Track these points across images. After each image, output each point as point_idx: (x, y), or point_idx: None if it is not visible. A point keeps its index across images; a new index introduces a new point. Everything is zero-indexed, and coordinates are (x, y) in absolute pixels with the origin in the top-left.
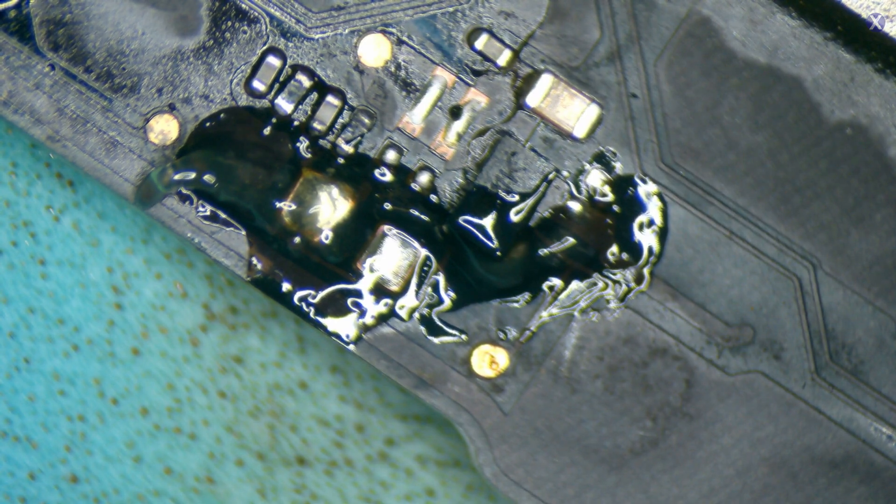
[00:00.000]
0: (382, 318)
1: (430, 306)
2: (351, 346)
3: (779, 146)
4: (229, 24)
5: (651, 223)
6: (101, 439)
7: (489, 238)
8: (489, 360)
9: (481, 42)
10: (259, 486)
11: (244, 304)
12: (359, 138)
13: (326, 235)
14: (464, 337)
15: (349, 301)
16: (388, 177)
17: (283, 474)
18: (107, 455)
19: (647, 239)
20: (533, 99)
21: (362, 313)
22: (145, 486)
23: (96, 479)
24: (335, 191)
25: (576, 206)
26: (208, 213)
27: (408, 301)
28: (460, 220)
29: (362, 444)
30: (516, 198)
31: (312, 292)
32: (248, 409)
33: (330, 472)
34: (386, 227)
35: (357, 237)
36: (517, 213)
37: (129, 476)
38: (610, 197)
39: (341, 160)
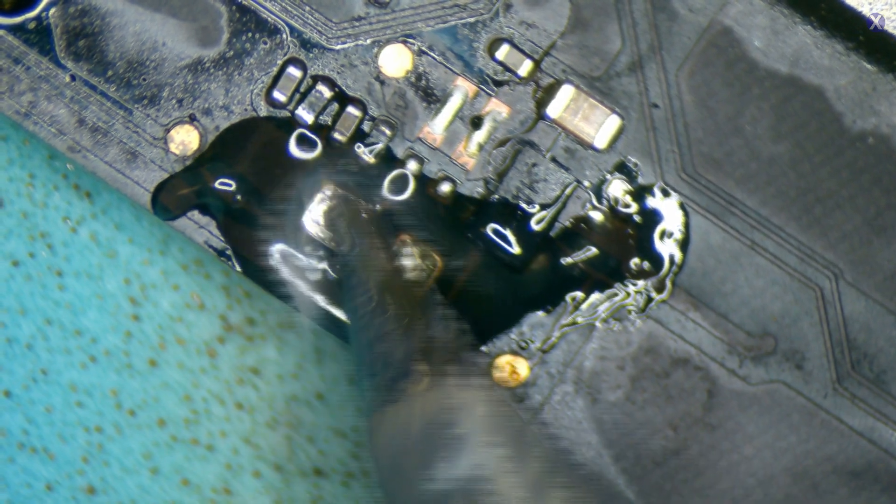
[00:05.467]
0: None
1: None
2: None
3: (801, 156)
4: (250, 34)
5: (672, 233)
6: (118, 450)
7: (511, 248)
8: (510, 370)
9: (502, 52)
10: (276, 497)
11: (261, 315)
12: (380, 148)
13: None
14: (485, 349)
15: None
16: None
17: (300, 485)
18: (124, 466)
19: (668, 249)
20: (554, 109)
21: None
22: (162, 497)
23: (113, 491)
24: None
25: (597, 217)
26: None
27: None
28: (483, 230)
29: None
30: (537, 208)
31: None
32: (265, 420)
33: (346, 483)
34: (405, 237)
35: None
36: (538, 223)
37: (146, 487)
38: (631, 207)
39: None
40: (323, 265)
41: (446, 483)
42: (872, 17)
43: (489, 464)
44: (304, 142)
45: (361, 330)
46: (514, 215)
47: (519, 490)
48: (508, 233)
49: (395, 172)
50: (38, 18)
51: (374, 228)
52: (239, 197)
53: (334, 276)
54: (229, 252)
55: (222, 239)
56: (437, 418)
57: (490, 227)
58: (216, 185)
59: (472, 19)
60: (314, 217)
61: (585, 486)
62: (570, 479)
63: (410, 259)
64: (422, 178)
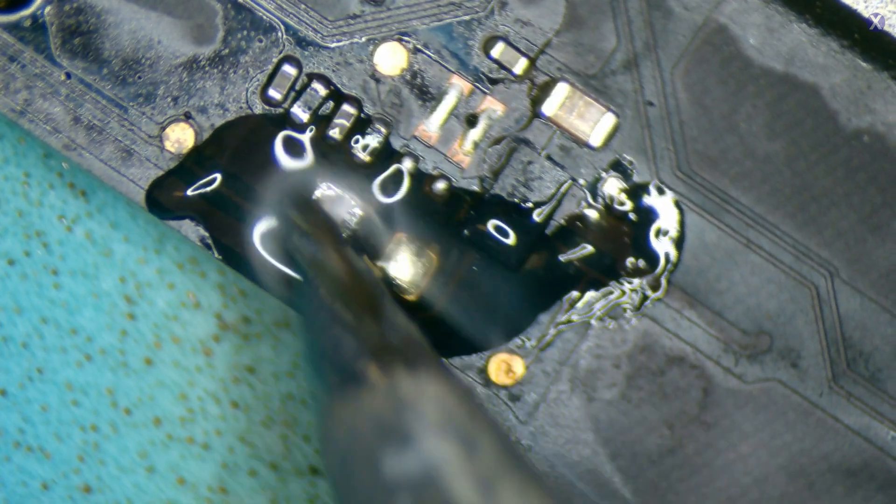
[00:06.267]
0: None
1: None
2: None
3: (796, 154)
4: (245, 32)
5: (668, 231)
6: (114, 449)
7: (506, 246)
8: (506, 369)
9: (497, 50)
10: (272, 496)
11: (257, 314)
12: (374, 146)
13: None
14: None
15: None
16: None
17: (296, 484)
18: (120, 465)
19: (663, 247)
20: (549, 107)
21: None
22: (158, 496)
23: (109, 490)
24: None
25: (592, 215)
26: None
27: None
28: (479, 227)
29: None
30: (530, 205)
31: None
32: (260, 419)
33: None
34: (400, 235)
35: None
36: (537, 216)
37: (142, 486)
38: (627, 205)
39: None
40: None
41: (394, 480)
42: (872, 18)
43: (438, 461)
44: (292, 144)
45: (311, 330)
46: (509, 213)
47: (469, 486)
48: (505, 230)
49: (390, 170)
50: (33, 16)
51: (324, 229)
52: (223, 188)
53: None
54: (209, 241)
55: (204, 226)
56: (386, 418)
57: (486, 225)
58: (204, 177)
59: (467, 17)
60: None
61: (537, 485)
62: (523, 477)
63: (405, 258)
64: (417, 177)
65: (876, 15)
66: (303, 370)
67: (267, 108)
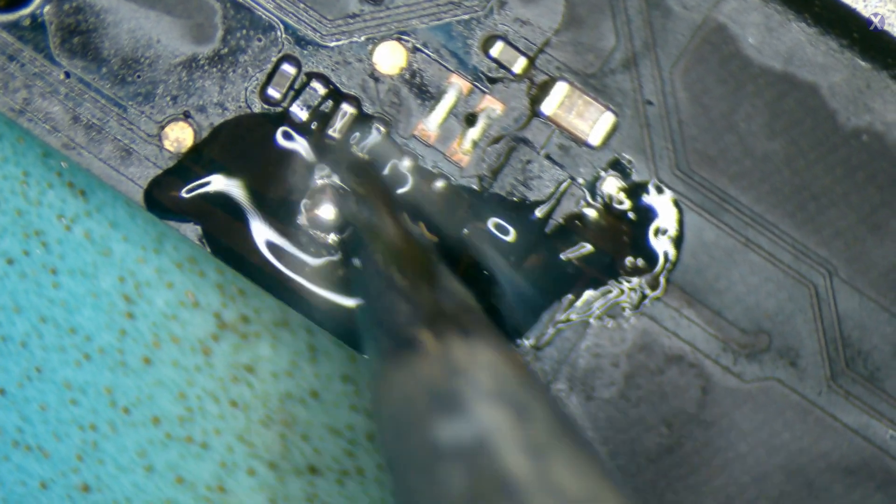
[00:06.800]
0: None
1: None
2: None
3: (795, 153)
4: (244, 31)
5: (666, 230)
6: (112, 448)
7: (504, 245)
8: None
9: (496, 49)
10: (271, 495)
11: (256, 313)
12: (374, 144)
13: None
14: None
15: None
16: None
17: (295, 483)
18: (118, 464)
19: (662, 246)
20: (548, 106)
21: None
22: (157, 495)
23: (108, 489)
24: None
25: (591, 214)
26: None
27: None
28: (478, 226)
29: (373, 453)
30: (530, 203)
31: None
32: (259, 418)
33: (341, 481)
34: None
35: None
36: (533, 220)
37: (140, 485)
38: (625, 204)
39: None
40: (320, 260)
41: (446, 446)
42: (872, 18)
43: (490, 428)
44: (292, 137)
45: (366, 295)
46: (509, 212)
47: (521, 454)
48: (505, 228)
49: (388, 166)
50: (32, 15)
51: (381, 196)
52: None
53: (341, 256)
54: (202, 238)
55: (202, 225)
56: (439, 384)
57: (486, 224)
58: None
59: (466, 16)
60: (321, 196)
61: (589, 454)
62: (575, 446)
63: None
64: (416, 175)
65: (876, 15)
66: (357, 333)
67: (266, 107)
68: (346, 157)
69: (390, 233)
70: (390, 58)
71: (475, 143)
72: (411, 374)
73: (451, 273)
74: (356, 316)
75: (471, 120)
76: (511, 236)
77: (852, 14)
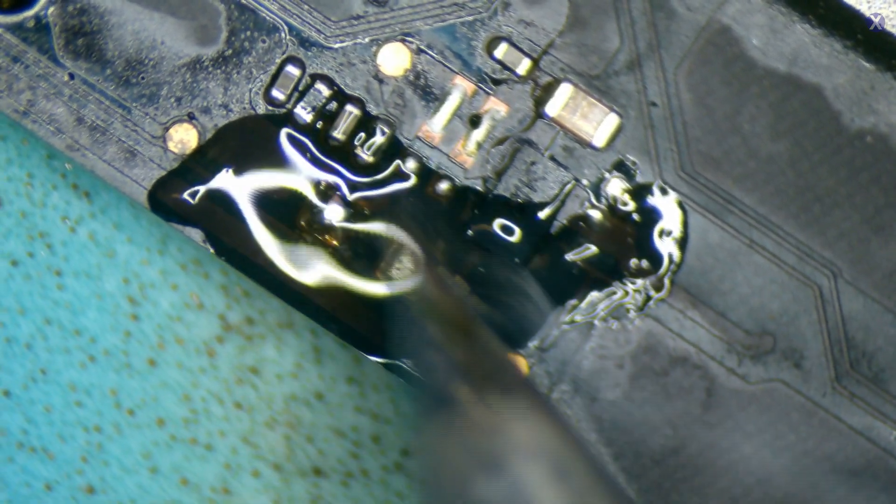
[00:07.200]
0: None
1: None
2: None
3: (799, 155)
4: (248, 33)
5: (671, 232)
6: (117, 450)
7: (509, 246)
8: None
9: (501, 51)
10: (275, 496)
11: (260, 314)
12: (378, 145)
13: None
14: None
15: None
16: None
17: (300, 485)
18: (123, 466)
19: (667, 247)
20: (552, 108)
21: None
22: (162, 496)
23: (113, 490)
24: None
25: (596, 215)
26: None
27: None
28: (483, 228)
29: (378, 454)
30: (534, 204)
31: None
32: (264, 419)
33: (346, 482)
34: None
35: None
36: (537, 222)
37: (145, 487)
38: (630, 206)
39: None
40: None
41: (485, 501)
42: (872, 17)
43: (528, 486)
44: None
45: (405, 349)
46: (513, 213)
47: None
48: (509, 231)
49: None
50: (36, 17)
51: (426, 259)
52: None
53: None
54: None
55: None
56: (478, 442)
57: (491, 225)
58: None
59: (470, 18)
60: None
61: None
62: (613, 501)
63: (404, 265)
64: (420, 177)
65: (876, 15)
66: (400, 385)
67: (270, 108)
68: (383, 213)
69: (428, 288)
70: (394, 59)
71: (479, 145)
72: (450, 430)
73: (490, 329)
74: (397, 367)
75: (475, 121)
76: (516, 237)
77: (856, 16)
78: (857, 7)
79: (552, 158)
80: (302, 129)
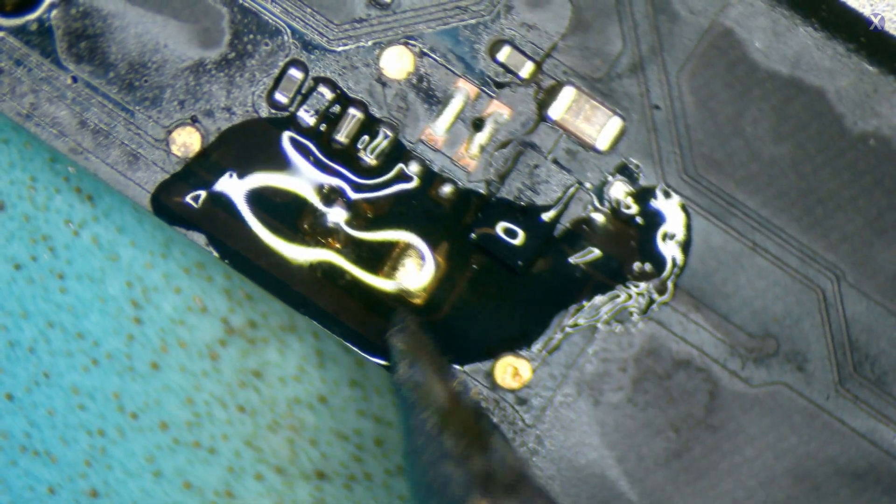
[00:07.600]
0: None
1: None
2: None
3: (802, 157)
4: (251, 36)
5: (674, 235)
6: (120, 454)
7: (512, 250)
8: (512, 372)
9: (504, 54)
10: (278, 500)
11: (263, 318)
12: (381, 149)
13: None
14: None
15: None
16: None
17: (303, 488)
18: (126, 469)
19: (670, 250)
20: (555, 111)
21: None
22: (165, 500)
23: (116, 494)
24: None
25: (599, 218)
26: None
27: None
28: (486, 231)
29: (381, 458)
30: (537, 207)
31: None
32: (267, 423)
33: (349, 486)
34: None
35: (380, 249)
36: (540, 225)
37: (148, 490)
38: (633, 209)
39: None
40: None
41: None
42: (872, 18)
43: None
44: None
45: (418, 462)
46: (516, 217)
47: None
48: (513, 234)
49: (400, 185)
50: (39, 20)
51: (430, 359)
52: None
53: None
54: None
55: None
56: None
57: (494, 228)
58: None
59: (473, 21)
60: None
61: None
62: None
63: (411, 262)
64: (423, 180)
65: (876, 15)
66: (407, 495)
67: (273, 111)
68: (395, 320)
69: (441, 398)
70: (397, 62)
71: (482, 148)
72: None
73: (505, 438)
74: (408, 481)
75: (478, 124)
76: (519, 240)
77: (859, 18)
78: (860, 10)
79: (555, 161)
80: (305, 132)
